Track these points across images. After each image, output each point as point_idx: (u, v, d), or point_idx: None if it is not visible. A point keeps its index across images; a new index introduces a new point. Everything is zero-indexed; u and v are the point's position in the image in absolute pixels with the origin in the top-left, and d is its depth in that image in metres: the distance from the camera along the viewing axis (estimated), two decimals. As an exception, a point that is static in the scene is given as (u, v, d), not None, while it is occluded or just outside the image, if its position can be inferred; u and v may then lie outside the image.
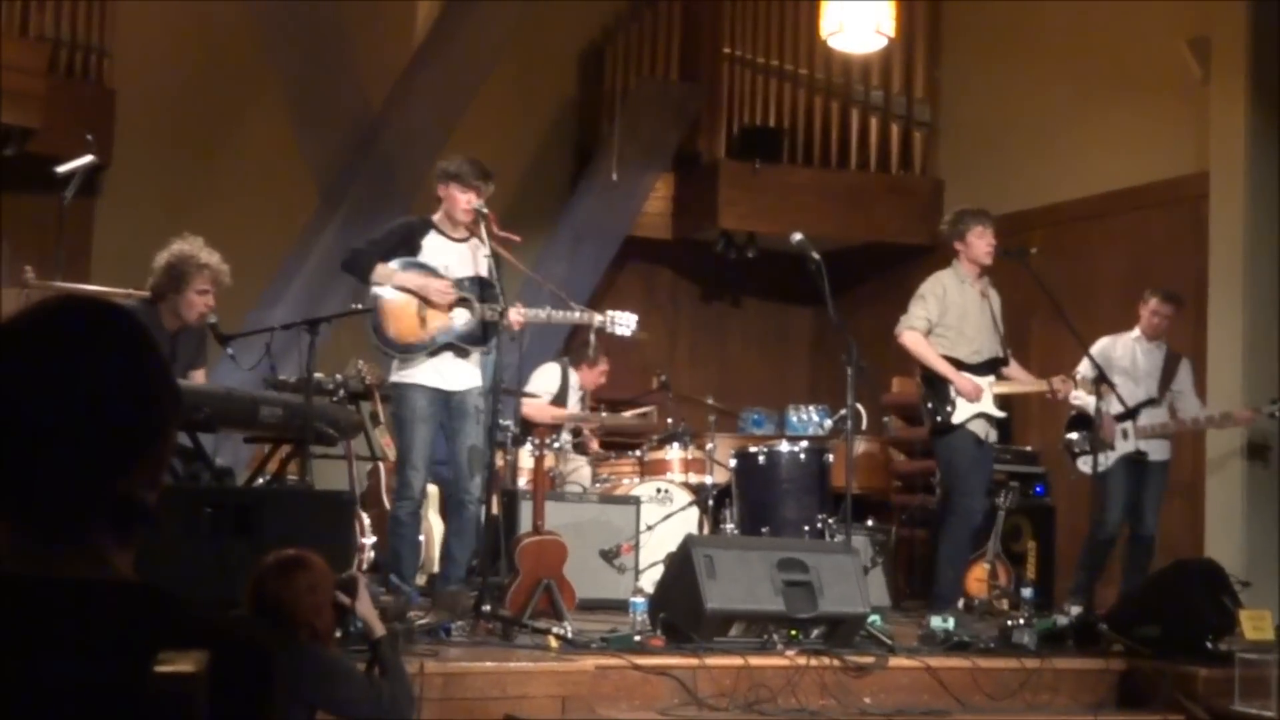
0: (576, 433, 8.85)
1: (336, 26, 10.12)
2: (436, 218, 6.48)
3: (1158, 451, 8.01)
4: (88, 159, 7.04)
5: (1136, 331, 8.10)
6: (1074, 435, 8.14)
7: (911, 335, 7.27)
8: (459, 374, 6.41)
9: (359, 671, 3.78)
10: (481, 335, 6.39)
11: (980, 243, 7.31)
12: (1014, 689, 5.98)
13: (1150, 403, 7.98)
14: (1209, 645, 6.33)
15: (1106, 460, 7.82)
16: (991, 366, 7.33)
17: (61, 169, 7.02)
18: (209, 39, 10.66)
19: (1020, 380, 7.49)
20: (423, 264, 6.40)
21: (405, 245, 6.41)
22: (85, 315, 1.47)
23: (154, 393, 1.47)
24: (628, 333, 6.78)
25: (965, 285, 7.35)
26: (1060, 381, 7.41)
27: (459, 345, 6.38)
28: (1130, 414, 7.88)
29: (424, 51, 10.64)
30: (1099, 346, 8.01)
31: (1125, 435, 7.94)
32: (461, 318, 6.38)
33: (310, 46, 10.03)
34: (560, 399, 8.67)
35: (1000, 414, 7.34)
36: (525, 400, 8.18)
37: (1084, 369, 7.81)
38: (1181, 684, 6.05)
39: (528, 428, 7.96)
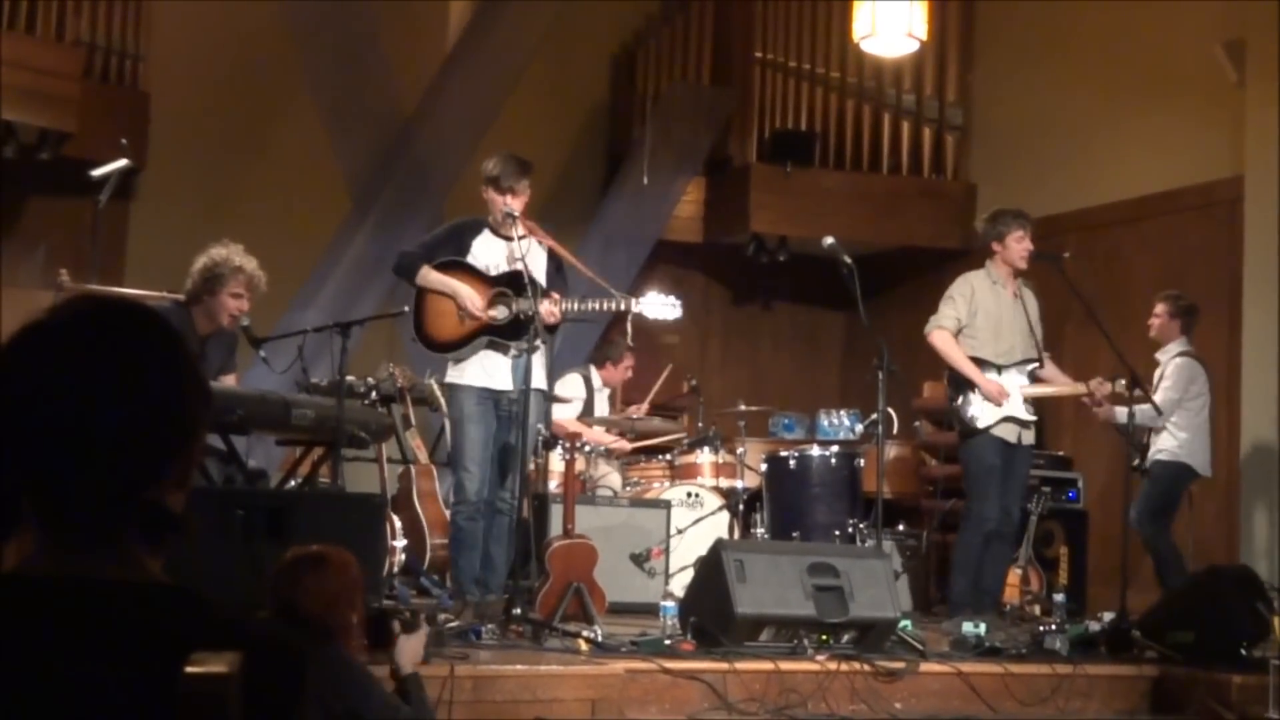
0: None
1: (369, 30, 10.16)
2: (490, 217, 6.53)
3: (1154, 456, 8.02)
4: (122, 163, 7.09)
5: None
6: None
7: (941, 335, 7.26)
8: (505, 372, 6.45)
9: (380, 685, 3.77)
10: (519, 330, 6.39)
11: (1018, 246, 7.29)
12: (1046, 695, 5.95)
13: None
14: (1243, 652, 6.28)
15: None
16: (1023, 368, 7.30)
17: (96, 173, 7.07)
18: (243, 43, 10.71)
19: (1056, 382, 7.46)
20: (466, 265, 6.44)
21: (455, 246, 6.48)
22: (113, 316, 1.47)
23: (185, 394, 1.47)
24: (670, 316, 6.69)
25: (997, 286, 7.33)
26: (1097, 383, 7.36)
27: (499, 342, 6.41)
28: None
29: (456, 55, 10.67)
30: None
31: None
32: (502, 314, 6.40)
33: (343, 50, 10.08)
34: (587, 407, 8.67)
35: (1031, 417, 7.30)
36: (561, 424, 8.16)
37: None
38: (1215, 691, 6.01)
39: (558, 433, 7.96)
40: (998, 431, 7.18)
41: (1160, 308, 8.14)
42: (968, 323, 7.26)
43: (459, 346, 6.41)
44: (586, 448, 8.05)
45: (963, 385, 7.21)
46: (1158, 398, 7.78)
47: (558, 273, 6.58)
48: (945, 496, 9.31)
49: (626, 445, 8.69)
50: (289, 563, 3.63)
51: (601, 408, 8.82)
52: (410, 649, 4.08)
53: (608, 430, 8.67)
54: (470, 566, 6.40)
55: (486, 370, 6.43)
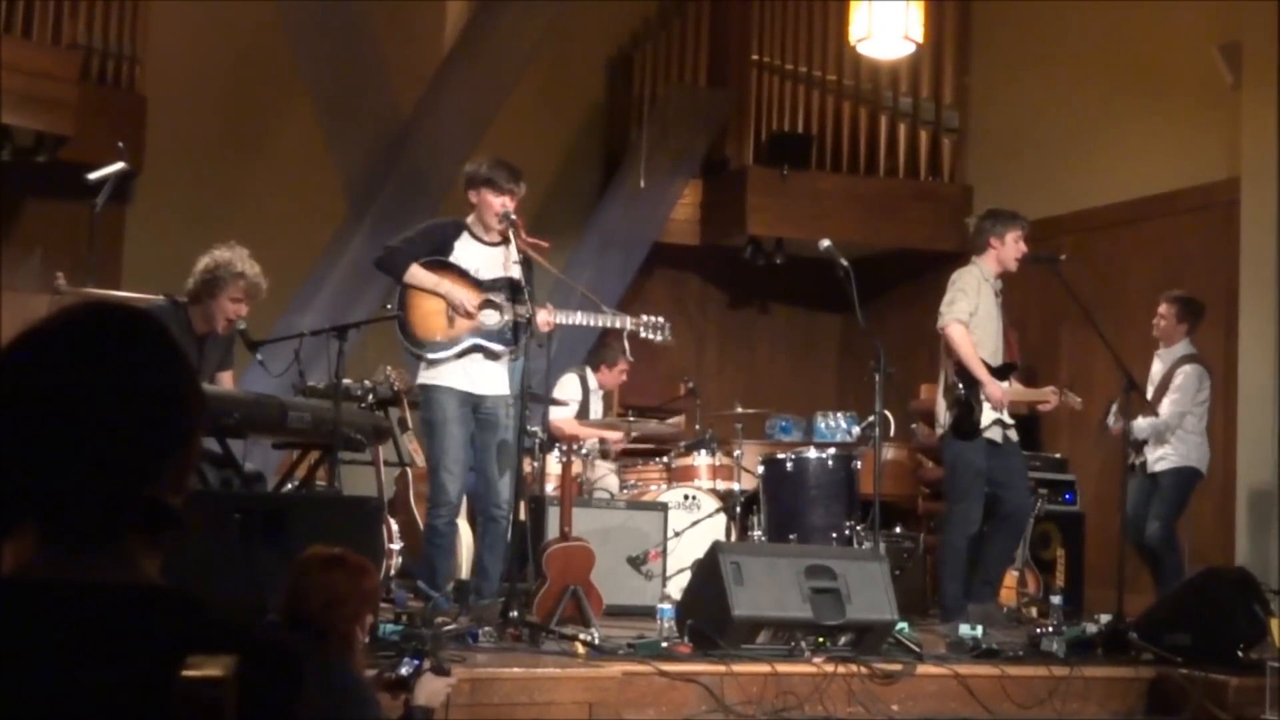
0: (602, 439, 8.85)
1: (366, 32, 10.16)
2: (469, 220, 6.49)
3: (1158, 463, 8.01)
4: (119, 166, 7.09)
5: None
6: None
7: (958, 329, 7.18)
8: (487, 378, 6.41)
9: (379, 703, 3.73)
10: (511, 337, 6.39)
11: (1015, 247, 7.29)
12: (1043, 697, 5.95)
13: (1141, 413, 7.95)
14: (1240, 654, 6.28)
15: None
16: (1005, 371, 7.30)
17: (93, 176, 7.07)
18: (240, 46, 10.72)
19: (1018, 390, 7.47)
20: (453, 265, 6.42)
21: (439, 246, 6.44)
22: (110, 319, 1.48)
23: (180, 397, 1.48)
24: (660, 338, 6.73)
25: (988, 284, 7.33)
26: (1050, 392, 7.43)
27: (487, 347, 6.39)
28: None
29: (453, 57, 10.68)
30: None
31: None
32: (491, 319, 6.38)
33: (339, 54, 10.07)
34: (584, 408, 8.68)
35: (1011, 421, 7.32)
36: (558, 423, 8.21)
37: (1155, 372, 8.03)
38: (1212, 693, 6.01)
39: (555, 436, 7.97)
40: (988, 434, 7.20)
41: (1166, 309, 8.12)
42: (974, 317, 7.24)
43: (448, 348, 6.38)
44: (584, 450, 8.06)
45: (972, 383, 7.18)
46: (1165, 409, 7.82)
47: (530, 275, 6.55)
48: (941, 499, 9.32)
49: (619, 435, 8.69)
50: (303, 558, 3.59)
51: (596, 410, 8.83)
52: (432, 687, 4.07)
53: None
54: (446, 570, 6.40)
55: (468, 374, 6.39)
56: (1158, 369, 8.14)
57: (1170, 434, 7.95)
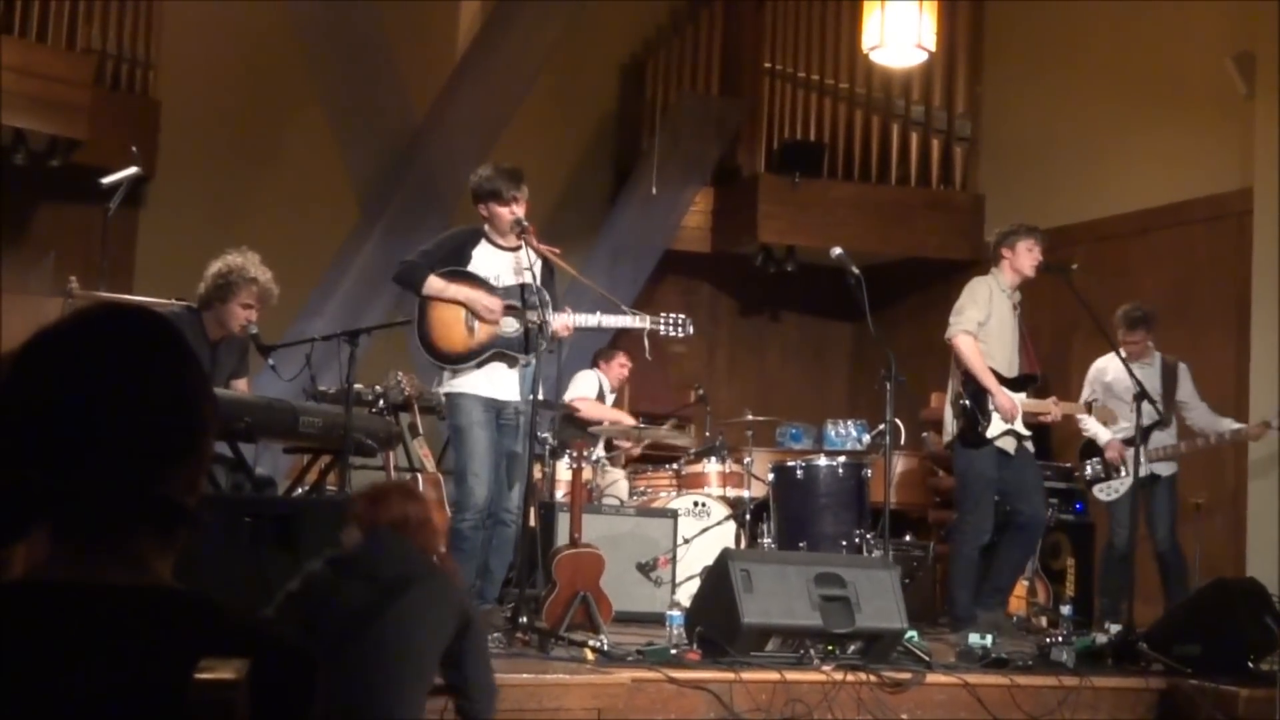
0: (609, 446, 8.86)
1: (378, 38, 10.19)
2: (488, 227, 6.50)
3: (1164, 469, 8.03)
4: (132, 170, 7.11)
5: (1123, 353, 8.02)
6: (1087, 465, 8.23)
7: (966, 340, 7.17)
8: (507, 383, 6.42)
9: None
10: (529, 343, 6.38)
11: (1029, 256, 7.28)
12: (1052, 707, 5.93)
13: (1158, 425, 7.90)
14: (1250, 665, 6.27)
15: (1119, 486, 7.94)
16: (1021, 384, 7.28)
17: (106, 180, 7.09)
18: (253, 51, 10.75)
19: (1025, 401, 7.48)
20: (471, 274, 6.41)
21: (455, 255, 6.42)
22: (124, 322, 1.48)
23: (193, 399, 1.48)
24: (682, 333, 6.67)
25: (1004, 295, 7.33)
26: (1052, 403, 7.40)
27: (508, 354, 6.39)
28: (1142, 437, 7.89)
29: (465, 64, 10.70)
30: (1093, 371, 8.11)
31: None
32: (510, 326, 6.37)
33: (353, 59, 10.10)
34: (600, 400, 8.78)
35: (1027, 433, 7.28)
36: (579, 401, 8.39)
37: (1087, 394, 8.08)
38: (1222, 704, 5.99)
39: (565, 442, 7.97)
40: (1000, 443, 7.18)
41: (1140, 335, 8.09)
42: (984, 327, 7.24)
43: (470, 358, 6.36)
44: (594, 457, 8.07)
45: (978, 393, 7.17)
46: (1203, 408, 7.91)
47: (550, 278, 6.55)
48: (952, 507, 9.30)
49: (631, 421, 8.77)
50: (394, 487, 4.11)
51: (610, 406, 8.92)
52: None
53: (612, 442, 8.72)
54: (470, 576, 6.39)
55: (491, 380, 6.38)
56: (1149, 377, 8.11)
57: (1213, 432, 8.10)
